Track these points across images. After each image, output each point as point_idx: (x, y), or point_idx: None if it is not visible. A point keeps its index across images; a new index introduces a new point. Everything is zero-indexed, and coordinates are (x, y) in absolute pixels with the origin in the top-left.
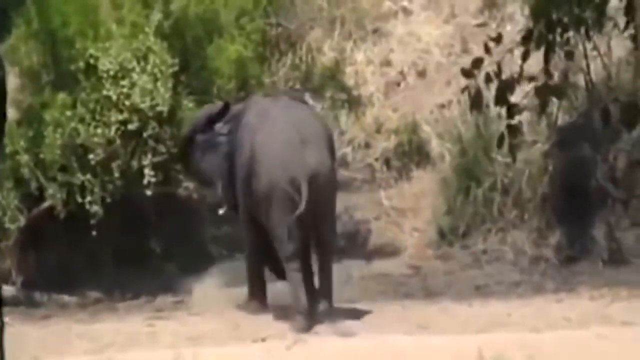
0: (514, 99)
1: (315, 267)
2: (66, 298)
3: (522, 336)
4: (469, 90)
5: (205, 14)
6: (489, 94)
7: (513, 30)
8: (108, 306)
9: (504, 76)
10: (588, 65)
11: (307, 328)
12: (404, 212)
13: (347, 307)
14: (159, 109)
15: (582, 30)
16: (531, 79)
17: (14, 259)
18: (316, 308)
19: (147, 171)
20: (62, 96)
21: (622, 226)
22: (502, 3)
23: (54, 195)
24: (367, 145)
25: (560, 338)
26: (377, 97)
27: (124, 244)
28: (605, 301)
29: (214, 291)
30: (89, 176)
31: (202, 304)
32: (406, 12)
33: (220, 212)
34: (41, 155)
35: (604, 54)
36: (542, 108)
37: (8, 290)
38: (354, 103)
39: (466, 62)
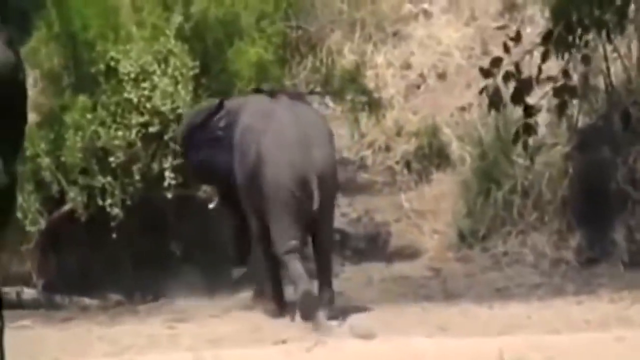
0: (533, 99)
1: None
2: (87, 301)
3: (542, 338)
4: (487, 89)
5: (226, 17)
6: (508, 93)
7: (533, 33)
8: (128, 308)
9: (522, 76)
10: (608, 68)
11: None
12: (424, 214)
13: (367, 309)
14: (179, 111)
15: (603, 32)
16: (550, 79)
17: (34, 262)
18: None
19: (167, 174)
20: (82, 99)
21: None
22: (522, 5)
23: (74, 198)
24: (388, 148)
25: (580, 340)
26: (398, 100)
27: (144, 246)
28: (625, 304)
29: (234, 293)
30: (109, 179)
31: (223, 306)
32: (426, 14)
33: (210, 206)
34: (62, 158)
35: (624, 56)
36: (561, 109)
37: (29, 293)
38: (374, 106)
39: (486, 64)
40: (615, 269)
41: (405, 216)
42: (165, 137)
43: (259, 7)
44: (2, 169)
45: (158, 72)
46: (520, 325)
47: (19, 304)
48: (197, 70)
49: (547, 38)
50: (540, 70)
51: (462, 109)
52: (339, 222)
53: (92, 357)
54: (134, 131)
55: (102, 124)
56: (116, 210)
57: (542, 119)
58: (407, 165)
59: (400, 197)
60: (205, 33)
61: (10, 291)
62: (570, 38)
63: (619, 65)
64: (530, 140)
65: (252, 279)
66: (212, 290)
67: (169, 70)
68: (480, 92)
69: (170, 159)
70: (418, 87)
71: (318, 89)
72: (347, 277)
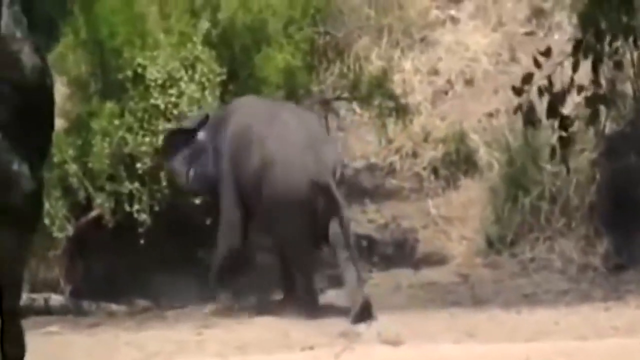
0: (565, 110)
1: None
2: (114, 306)
3: (569, 344)
4: (521, 107)
5: (253, 23)
6: (541, 106)
7: (561, 39)
8: (156, 314)
9: (554, 89)
10: (636, 74)
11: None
12: (451, 220)
13: (394, 315)
14: None
15: (630, 38)
16: (581, 89)
17: (62, 268)
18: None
19: None
20: (110, 105)
21: None
22: (549, 12)
23: (102, 205)
24: (415, 154)
25: (607, 346)
26: (425, 106)
27: (171, 252)
28: None
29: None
30: (136, 185)
31: (251, 312)
32: (454, 20)
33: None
34: (89, 165)
35: None
36: (593, 118)
37: (56, 299)
38: (402, 111)
39: (514, 70)
40: None
41: (433, 222)
42: None
43: (287, 13)
44: (29, 174)
45: (185, 78)
46: (548, 332)
47: (47, 310)
48: (224, 77)
49: (577, 48)
50: (572, 81)
51: (490, 115)
52: (366, 228)
53: None
54: (161, 137)
55: (130, 130)
56: (143, 216)
57: (574, 127)
58: (435, 171)
59: (428, 203)
60: (232, 39)
61: (38, 297)
62: (599, 46)
63: None
64: (568, 152)
65: (279, 284)
66: (239, 296)
67: (196, 77)
68: (515, 112)
69: None
70: (445, 93)
71: (345, 95)
72: (375, 283)
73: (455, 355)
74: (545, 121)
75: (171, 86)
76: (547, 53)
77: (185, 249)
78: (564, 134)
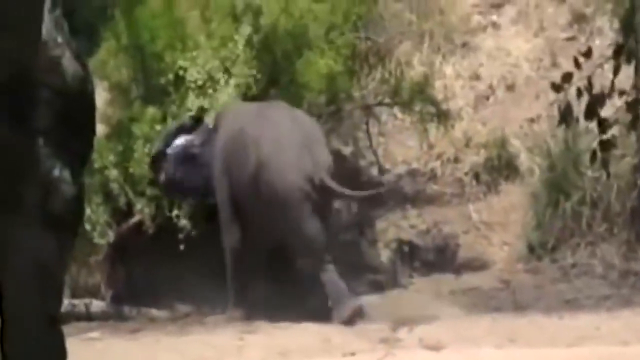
0: (605, 113)
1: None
2: (155, 312)
3: (610, 350)
4: (558, 104)
5: (295, 29)
6: (579, 108)
7: (602, 44)
8: (196, 320)
9: (594, 91)
10: None
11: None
12: (493, 226)
13: (436, 320)
14: None
15: None
16: (622, 93)
17: (103, 273)
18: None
19: None
20: (151, 110)
21: None
22: (591, 17)
23: (142, 210)
24: (456, 160)
25: None
26: (466, 111)
27: (212, 257)
28: None
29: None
30: None
31: (291, 317)
32: (495, 26)
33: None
34: (130, 170)
35: None
36: (633, 123)
37: (97, 304)
38: (443, 117)
39: (555, 76)
40: None
41: (474, 228)
42: None
43: (328, 19)
44: (70, 180)
45: (222, 81)
46: (589, 337)
47: (88, 316)
48: (259, 76)
49: (618, 52)
50: (612, 84)
51: (531, 120)
52: (408, 233)
53: None
54: None
55: None
56: (184, 222)
57: (614, 131)
58: (476, 176)
59: (469, 208)
60: (274, 45)
61: (79, 303)
62: None
63: None
64: (608, 156)
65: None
66: (281, 301)
67: (232, 80)
68: (551, 104)
69: None
70: (487, 98)
71: (387, 100)
72: (417, 288)
73: None
74: (583, 124)
75: (210, 88)
76: (587, 54)
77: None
78: (604, 137)
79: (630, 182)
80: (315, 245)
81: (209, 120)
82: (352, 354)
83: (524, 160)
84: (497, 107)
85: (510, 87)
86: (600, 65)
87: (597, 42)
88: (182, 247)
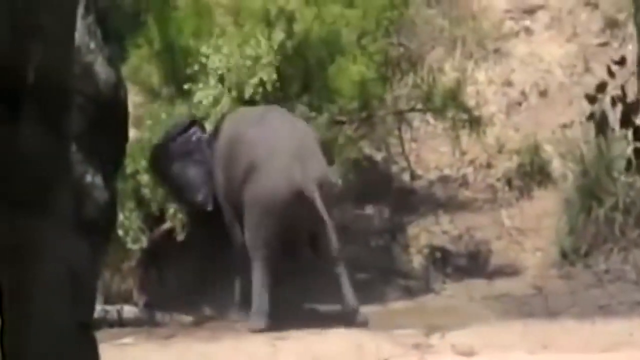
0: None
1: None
2: (188, 318)
3: None
4: (594, 116)
5: (328, 35)
6: (614, 117)
7: (635, 50)
8: (229, 326)
9: (628, 99)
10: None
11: (266, 329)
12: (525, 232)
13: (468, 326)
14: None
15: None
16: None
17: (136, 279)
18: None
19: None
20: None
21: None
22: (623, 22)
23: (174, 215)
24: (489, 165)
25: None
26: (499, 117)
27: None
28: None
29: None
30: None
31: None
32: (528, 31)
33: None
34: None
35: None
36: None
37: (130, 310)
38: (475, 123)
39: (588, 81)
40: None
41: (507, 234)
42: None
43: (361, 25)
44: (103, 186)
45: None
46: (622, 342)
47: (120, 322)
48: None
49: None
50: None
51: (564, 126)
52: (440, 239)
53: None
54: None
55: None
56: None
57: None
58: (509, 182)
59: (502, 214)
60: (307, 51)
61: (111, 309)
62: None
63: None
64: None
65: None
66: (313, 307)
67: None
68: (588, 119)
69: None
70: (519, 104)
71: (419, 106)
72: (449, 294)
73: None
74: (618, 131)
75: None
76: (621, 62)
77: None
78: (639, 145)
79: None
80: (267, 250)
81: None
82: None
83: (556, 166)
84: (530, 113)
85: (543, 93)
86: (634, 73)
87: (630, 47)
88: (214, 252)
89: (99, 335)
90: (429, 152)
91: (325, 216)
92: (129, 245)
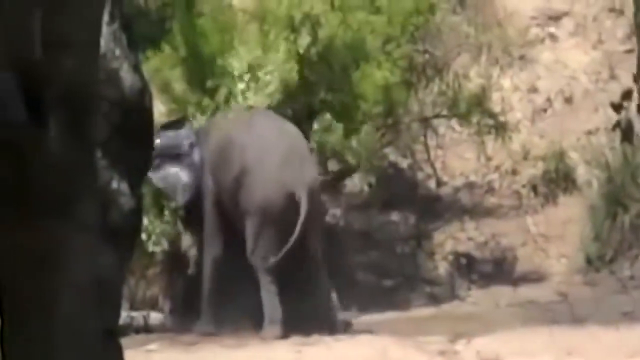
0: None
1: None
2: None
3: None
4: (620, 124)
5: (353, 41)
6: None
7: None
8: (254, 332)
9: None
10: None
11: (281, 336)
12: (550, 238)
13: (494, 333)
14: None
15: None
16: None
17: (161, 286)
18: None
19: None
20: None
21: None
22: None
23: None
24: (514, 172)
25: None
26: (524, 124)
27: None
28: None
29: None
30: None
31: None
32: (553, 38)
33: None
34: None
35: None
36: None
37: (156, 317)
38: (501, 129)
39: (613, 88)
40: None
41: (532, 240)
42: None
43: (386, 31)
44: (128, 192)
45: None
46: None
47: (146, 328)
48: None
49: None
50: None
51: (589, 133)
52: (465, 246)
53: None
54: None
55: None
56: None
57: None
58: (534, 189)
59: (527, 221)
60: (331, 56)
61: (137, 315)
62: None
63: None
64: None
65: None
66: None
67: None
68: (614, 129)
69: None
70: (545, 111)
71: (444, 113)
72: (474, 301)
73: None
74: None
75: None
76: None
77: None
78: None
79: None
80: (267, 259)
81: (201, 126)
82: None
83: (582, 172)
84: (555, 119)
85: (568, 100)
86: None
87: None
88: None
89: (125, 341)
90: (455, 158)
91: (303, 217)
92: (151, 247)
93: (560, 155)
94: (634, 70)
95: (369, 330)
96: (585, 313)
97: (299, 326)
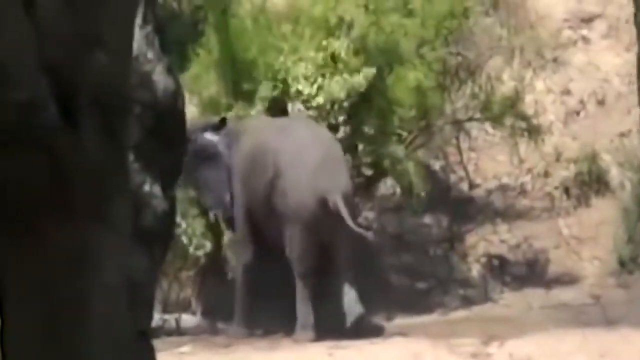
0: None
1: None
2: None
3: None
4: None
5: (386, 44)
6: None
7: None
8: (287, 335)
9: None
10: None
11: (313, 339)
12: (583, 240)
13: (526, 335)
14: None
15: None
16: None
17: (195, 288)
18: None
19: None
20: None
21: None
22: None
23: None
24: (547, 174)
25: None
26: (557, 126)
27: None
28: None
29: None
30: None
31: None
32: (586, 40)
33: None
34: None
35: None
36: None
37: (188, 319)
38: (534, 132)
39: None
40: None
41: (565, 242)
42: None
43: (419, 34)
44: (161, 195)
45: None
46: None
47: (178, 331)
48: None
49: None
50: None
51: (622, 135)
52: (498, 248)
53: None
54: None
55: None
56: None
57: None
58: (566, 191)
59: (559, 223)
60: (365, 60)
61: (170, 318)
62: None
63: None
64: None
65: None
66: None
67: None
68: None
69: None
70: (577, 113)
71: (477, 115)
72: (507, 303)
73: None
74: None
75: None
76: None
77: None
78: None
79: None
80: (303, 264)
81: (233, 124)
82: None
83: (614, 174)
84: (588, 121)
85: (601, 102)
86: None
87: None
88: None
89: (157, 343)
90: (487, 160)
91: (351, 224)
92: (192, 251)
93: (593, 158)
94: None
95: (401, 333)
96: (617, 315)
97: (330, 329)
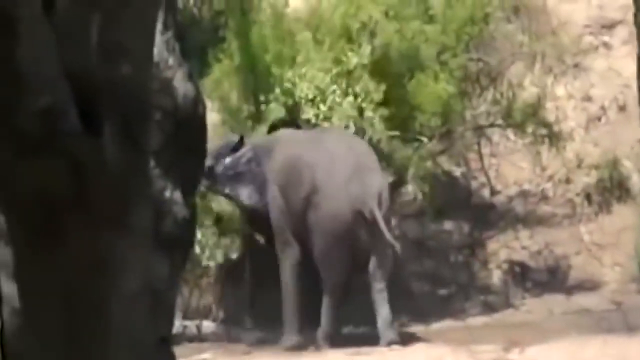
0: None
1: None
2: (265, 334)
3: None
4: None
5: (408, 51)
6: None
7: None
8: (309, 342)
9: None
10: None
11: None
12: (604, 247)
13: (548, 342)
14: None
15: None
16: None
17: (215, 295)
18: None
19: None
20: (262, 129)
21: None
22: None
23: (251, 233)
24: (568, 181)
25: None
26: (578, 132)
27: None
28: None
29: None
30: None
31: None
32: (607, 46)
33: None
34: None
35: None
36: None
37: (209, 326)
38: (555, 138)
39: None
40: None
41: (586, 249)
42: None
43: (440, 41)
44: (181, 201)
45: (338, 92)
46: None
47: (199, 337)
48: (380, 94)
49: None
50: None
51: None
52: (519, 254)
53: None
54: None
55: None
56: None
57: None
58: (588, 197)
59: (581, 229)
60: (387, 66)
61: (190, 324)
62: None
63: None
64: None
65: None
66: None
67: (350, 92)
68: None
69: None
70: (599, 119)
71: (499, 122)
72: (528, 309)
73: None
74: None
75: (322, 101)
76: None
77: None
78: None
79: None
80: (333, 277)
81: (262, 140)
82: None
83: (636, 181)
84: (609, 128)
85: (622, 108)
86: None
87: None
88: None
89: (178, 350)
90: (509, 167)
91: (387, 233)
92: (204, 262)
93: (614, 164)
94: None
95: (422, 339)
96: (639, 321)
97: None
